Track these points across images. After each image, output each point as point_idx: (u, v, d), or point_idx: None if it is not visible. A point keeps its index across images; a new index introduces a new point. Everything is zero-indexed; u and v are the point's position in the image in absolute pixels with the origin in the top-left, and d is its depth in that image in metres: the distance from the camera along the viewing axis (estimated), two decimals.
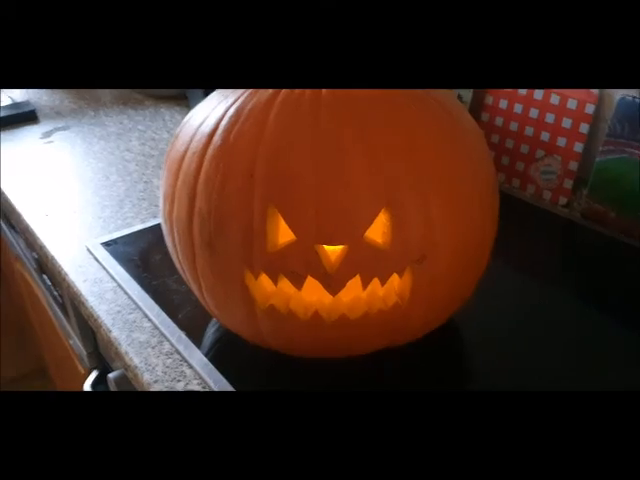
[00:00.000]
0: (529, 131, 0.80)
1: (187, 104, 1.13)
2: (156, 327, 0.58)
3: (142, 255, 0.69)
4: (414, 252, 0.45)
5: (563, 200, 0.78)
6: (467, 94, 0.86)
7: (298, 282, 0.46)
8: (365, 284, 0.45)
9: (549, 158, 0.79)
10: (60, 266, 0.69)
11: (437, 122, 0.47)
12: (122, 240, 0.72)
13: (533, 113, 0.79)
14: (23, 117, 1.11)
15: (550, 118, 0.77)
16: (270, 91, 0.47)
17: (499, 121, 0.83)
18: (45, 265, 0.85)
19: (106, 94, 1.24)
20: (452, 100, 0.51)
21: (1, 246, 1.30)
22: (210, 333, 0.58)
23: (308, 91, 0.47)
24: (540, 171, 0.80)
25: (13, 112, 1.11)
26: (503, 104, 0.82)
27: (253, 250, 0.46)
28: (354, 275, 0.45)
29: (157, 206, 0.81)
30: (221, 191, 0.46)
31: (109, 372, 0.71)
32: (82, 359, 0.88)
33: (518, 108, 0.80)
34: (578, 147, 0.75)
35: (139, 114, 1.13)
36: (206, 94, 1.00)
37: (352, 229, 0.44)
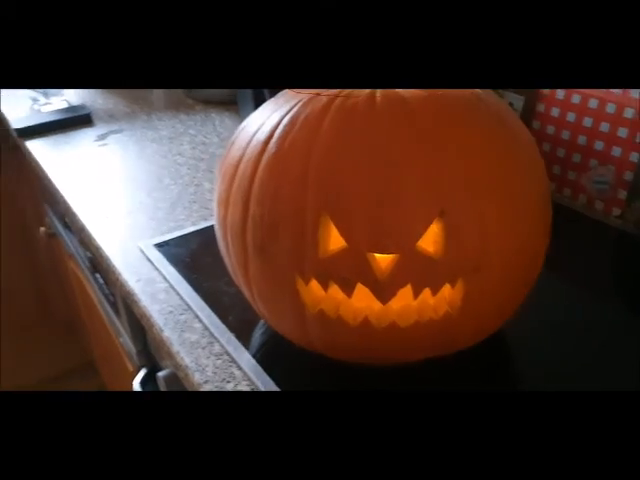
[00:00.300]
0: (582, 140, 0.78)
1: (236, 110, 1.15)
2: (206, 328, 0.60)
3: (193, 257, 0.71)
4: (467, 262, 0.45)
5: (617, 211, 0.77)
6: (518, 102, 0.85)
7: (348, 289, 0.46)
8: (416, 293, 0.46)
9: (602, 168, 0.77)
10: (114, 266, 0.72)
11: (491, 131, 0.47)
12: (174, 242, 0.74)
13: (587, 122, 0.77)
14: (79, 120, 1.15)
15: (605, 127, 0.75)
16: (324, 99, 0.48)
17: (550, 129, 0.82)
18: (99, 264, 0.88)
19: (159, 99, 1.28)
20: (505, 108, 0.51)
21: (57, 244, 1.35)
22: (258, 335, 0.59)
23: (362, 98, 0.47)
24: (593, 181, 0.78)
25: (70, 115, 1.15)
26: (555, 112, 0.81)
27: (305, 255, 0.46)
28: (405, 284, 0.45)
29: (207, 209, 0.82)
30: (275, 197, 0.47)
31: (157, 370, 0.73)
32: (131, 357, 0.90)
33: (571, 117, 0.79)
34: (634, 157, 0.73)
35: (190, 119, 1.16)
36: (256, 100, 1.02)
37: (404, 238, 0.44)
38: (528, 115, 0.85)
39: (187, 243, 0.74)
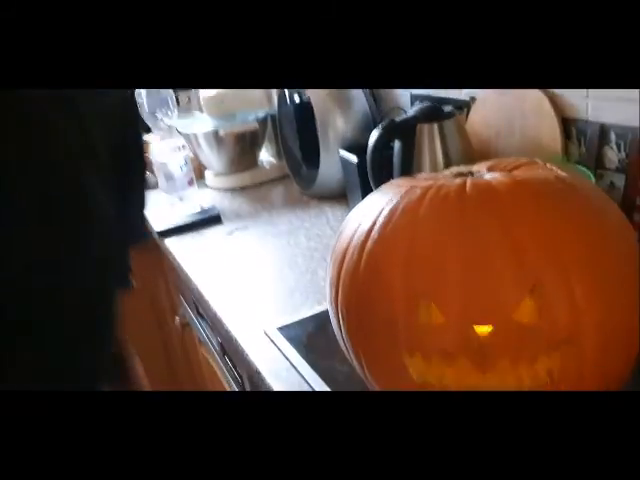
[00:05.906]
0: None
1: (346, 202, 1.24)
2: None
3: (310, 338, 0.78)
4: (560, 334, 0.47)
5: None
6: (620, 180, 0.86)
7: (450, 360, 0.50)
8: (514, 364, 0.49)
9: None
10: (242, 347, 0.80)
11: (579, 212, 0.51)
12: (293, 325, 0.82)
13: None
14: (210, 220, 1.29)
15: None
16: (419, 191, 0.54)
17: None
18: (228, 347, 0.97)
19: (278, 198, 1.41)
20: (594, 190, 0.55)
21: (189, 332, 1.47)
22: None
23: (453, 188, 0.53)
24: None
25: (202, 217, 1.30)
26: None
27: (408, 331, 0.51)
28: (503, 355, 0.49)
29: (321, 294, 0.90)
30: (379, 279, 0.53)
31: None
32: None
33: None
34: None
35: (305, 213, 1.26)
36: (363, 192, 1.10)
37: (499, 312, 0.48)
38: (631, 193, 0.85)
39: (304, 326, 0.81)
